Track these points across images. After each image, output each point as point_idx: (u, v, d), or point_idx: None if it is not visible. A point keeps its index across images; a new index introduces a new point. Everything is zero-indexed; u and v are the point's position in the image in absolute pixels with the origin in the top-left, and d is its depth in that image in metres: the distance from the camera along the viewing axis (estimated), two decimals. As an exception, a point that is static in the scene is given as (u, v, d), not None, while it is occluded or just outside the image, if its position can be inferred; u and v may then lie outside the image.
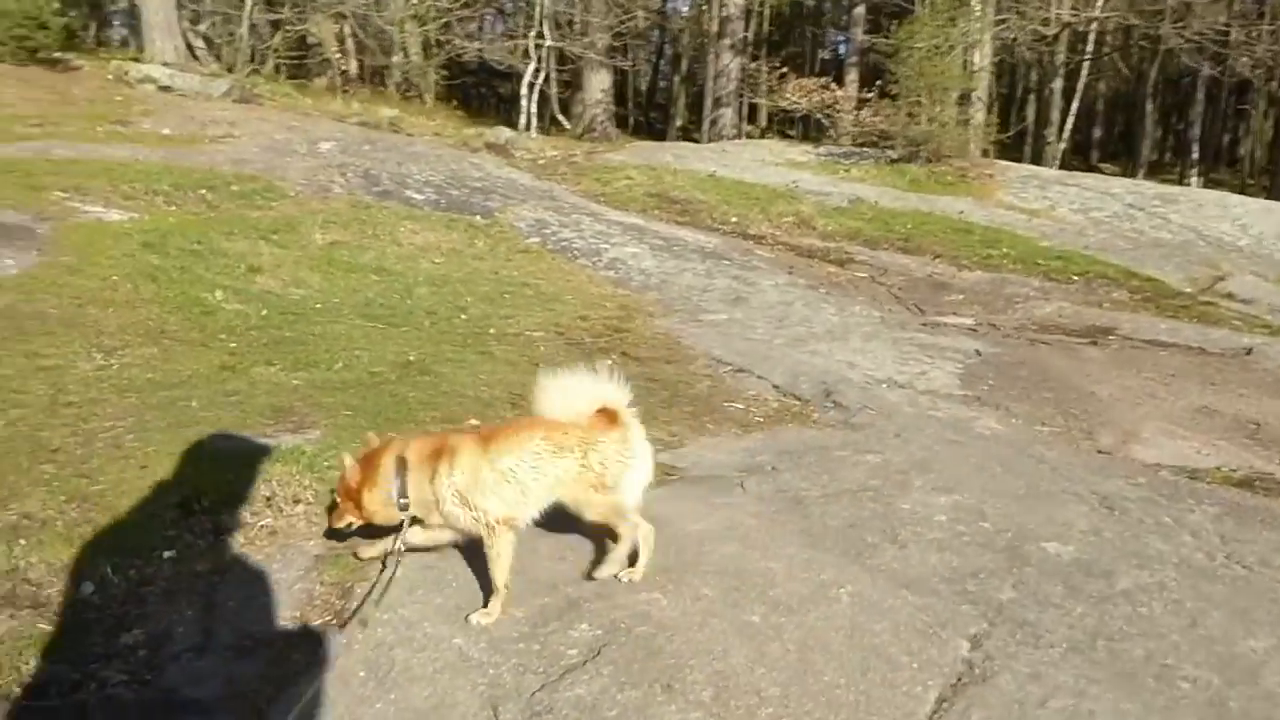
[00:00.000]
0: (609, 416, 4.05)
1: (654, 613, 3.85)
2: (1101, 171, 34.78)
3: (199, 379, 5.69)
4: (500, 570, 3.85)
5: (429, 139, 16.85)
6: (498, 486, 3.87)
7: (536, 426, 4.04)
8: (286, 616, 3.89)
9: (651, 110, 43.61)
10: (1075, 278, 11.81)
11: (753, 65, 26.72)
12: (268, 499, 4.50)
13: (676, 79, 40.19)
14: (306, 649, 3.71)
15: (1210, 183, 33.28)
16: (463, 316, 8.15)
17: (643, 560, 4.10)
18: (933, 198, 16.01)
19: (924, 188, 16.98)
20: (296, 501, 4.52)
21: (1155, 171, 36.88)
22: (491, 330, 7.84)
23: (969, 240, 13.15)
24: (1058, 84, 26.19)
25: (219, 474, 4.56)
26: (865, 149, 19.99)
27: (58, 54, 15.63)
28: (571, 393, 4.05)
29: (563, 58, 26.46)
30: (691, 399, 6.67)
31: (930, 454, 5.80)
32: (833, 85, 24.47)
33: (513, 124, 22.44)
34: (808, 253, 12.40)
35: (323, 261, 8.97)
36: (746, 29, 26.79)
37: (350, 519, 4.04)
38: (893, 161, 18.90)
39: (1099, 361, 8.81)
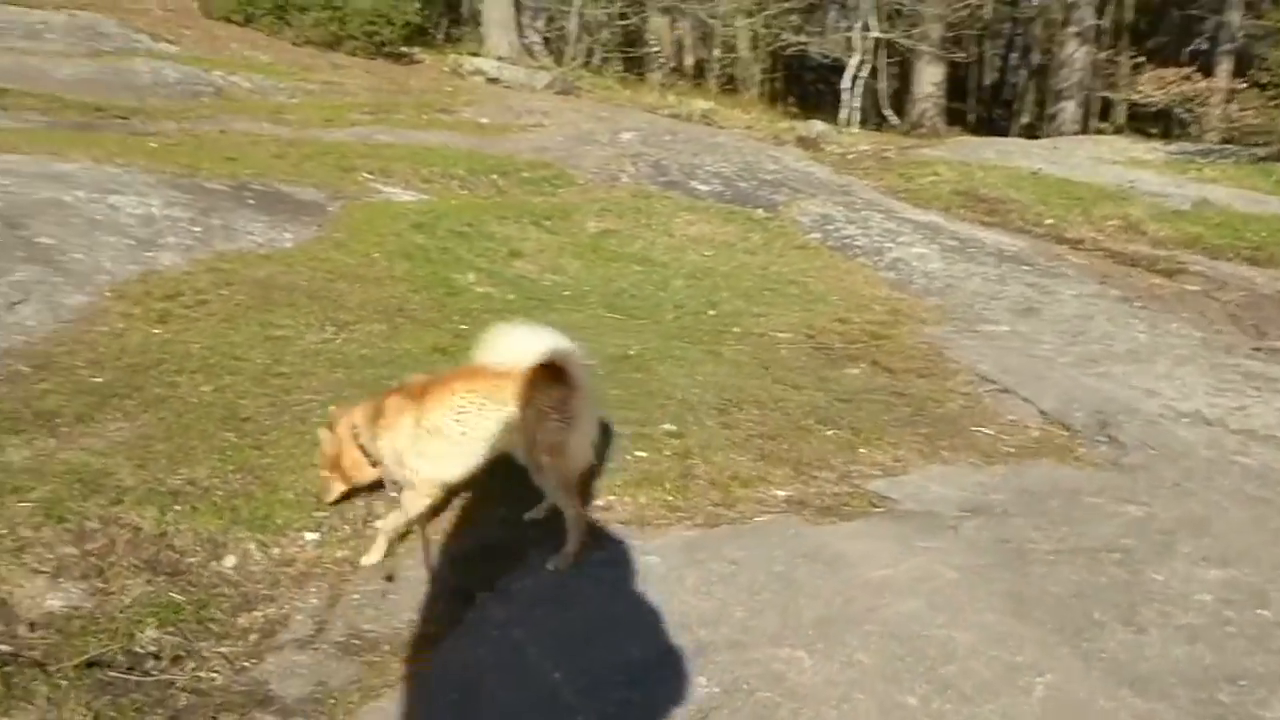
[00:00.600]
0: (553, 373, 3.62)
1: (790, 675, 3.21)
2: None
3: (409, 358, 5.57)
4: (395, 522, 3.86)
5: (737, 132, 16.50)
6: (426, 443, 3.69)
7: (465, 377, 3.73)
8: (404, 620, 3.59)
9: (996, 106, 41.02)
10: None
11: (1103, 55, 24.25)
12: (423, 491, 4.23)
13: (1025, 72, 37.51)
14: (411, 657, 3.40)
15: None
16: (711, 312, 7.67)
17: (566, 548, 3.83)
18: (1300, 203, 13.65)
19: (1292, 192, 14.55)
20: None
21: None
22: (736, 329, 7.29)
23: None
24: None
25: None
26: (1227, 146, 17.55)
27: (404, 49, 16.65)
28: (517, 343, 3.65)
29: (893, 50, 25.31)
30: (935, 419, 5.80)
31: (1214, 511, 4.66)
32: (1194, 76, 21.78)
33: (834, 119, 21.68)
34: (1130, 260, 10.84)
35: (588, 249, 8.79)
36: (1100, 16, 24.33)
37: (338, 488, 4.00)
38: (1259, 160, 16.42)
39: None
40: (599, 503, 4.31)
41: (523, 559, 3.88)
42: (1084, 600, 3.79)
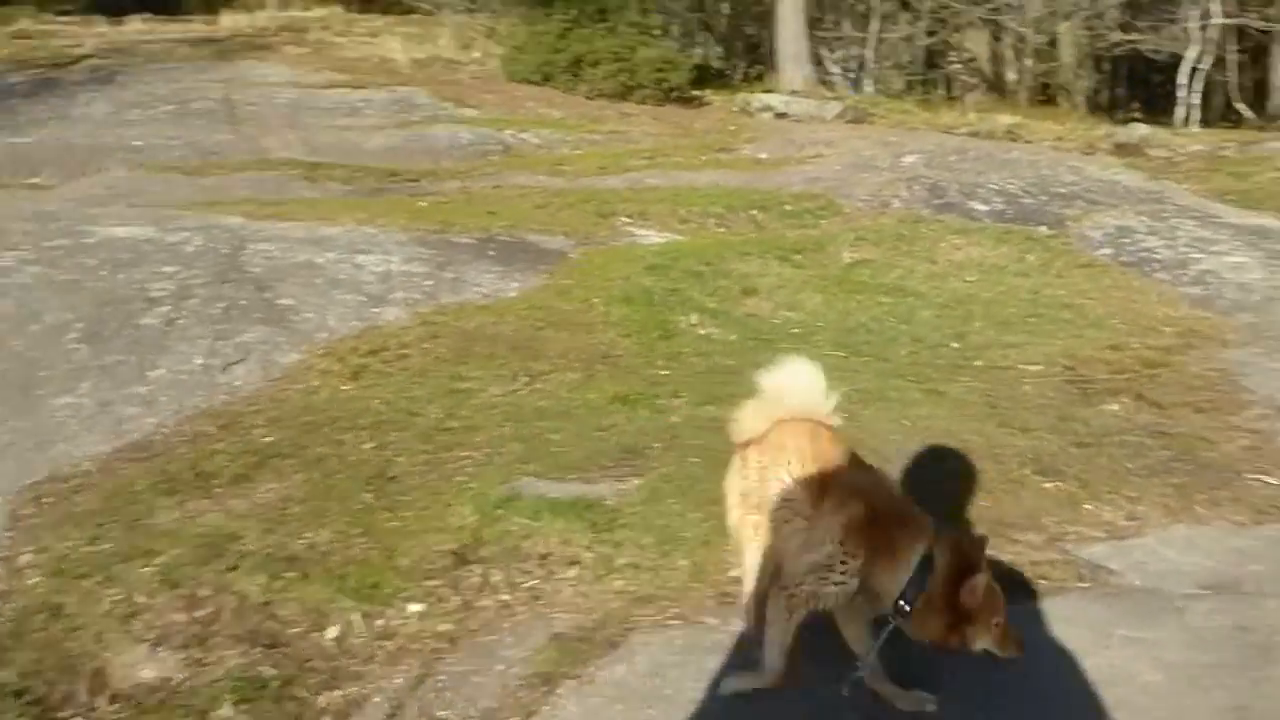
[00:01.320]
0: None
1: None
2: None
3: (586, 408, 5.27)
4: None
5: (1043, 144, 15.03)
6: None
7: None
8: (480, 707, 3.25)
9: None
10: None
11: None
12: (543, 557, 3.89)
13: None
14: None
15: None
16: (954, 345, 6.79)
17: None
18: None
19: None
20: (573, 564, 3.86)
21: None
22: (978, 362, 6.39)
23: None
24: None
25: (513, 521, 4.05)
26: None
27: (694, 92, 16.68)
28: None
29: (1245, 36, 22.27)
30: (1200, 465, 4.70)
31: None
32: None
33: (1168, 120, 19.34)
34: None
35: (834, 282, 8.14)
36: None
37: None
38: None
39: None
40: (733, 574, 3.76)
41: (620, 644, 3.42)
42: (1336, 719, 2.78)
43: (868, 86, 18.78)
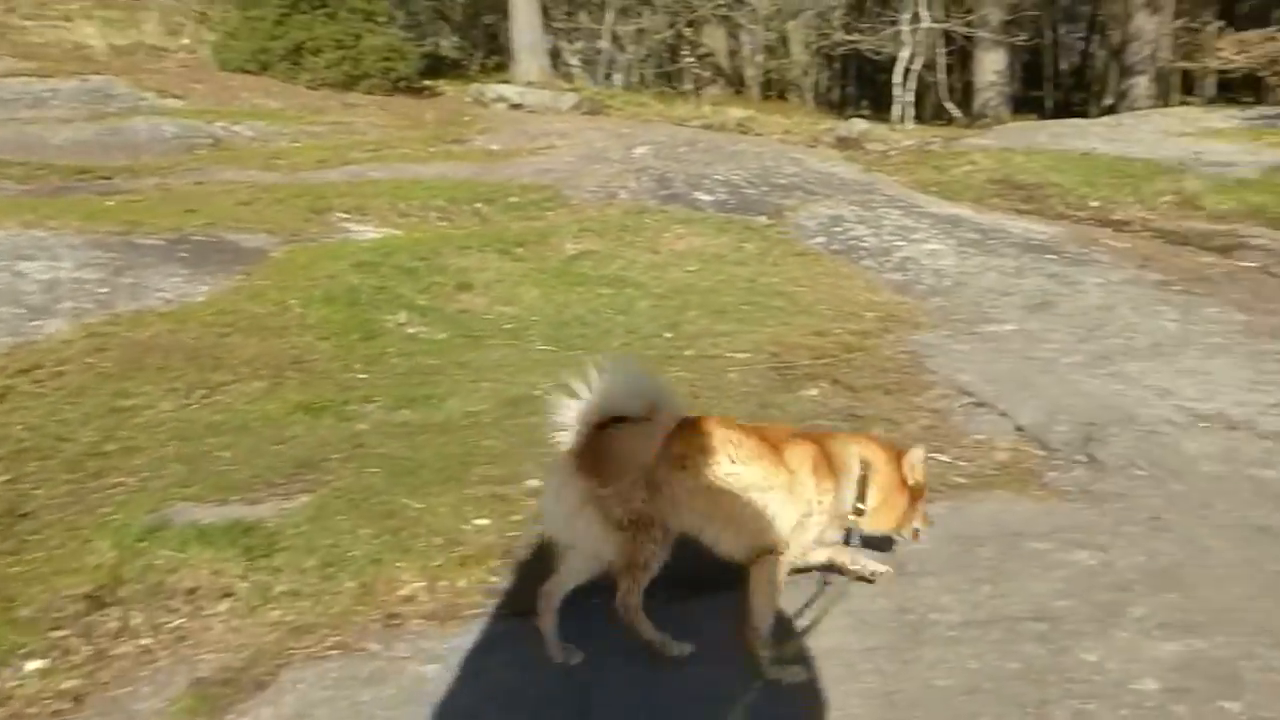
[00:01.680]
0: None
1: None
2: None
3: (264, 420, 4.87)
4: None
5: (770, 137, 15.54)
6: None
7: None
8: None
9: (1078, 90, 38.90)
10: None
11: (1177, 24, 22.32)
12: (191, 592, 3.49)
13: (1104, 53, 35.40)
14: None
15: None
16: (667, 335, 6.78)
17: None
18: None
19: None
20: (225, 596, 3.48)
21: None
22: (688, 352, 6.40)
23: None
24: None
25: (158, 554, 3.61)
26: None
27: (426, 82, 16.20)
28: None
29: (952, 39, 23.96)
30: (883, 447, 4.82)
31: (1192, 553, 3.59)
32: (1278, 35, 19.97)
33: (889, 116, 20.51)
34: (1182, 239, 9.54)
35: (554, 275, 7.99)
36: (1171, -17, 22.47)
37: None
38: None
39: None
40: (402, 593, 3.49)
41: (269, 683, 3.09)
42: (977, 699, 2.81)
43: (614, 79, 18.83)
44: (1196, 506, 4.00)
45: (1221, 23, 22.33)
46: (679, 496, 3.01)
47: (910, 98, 20.53)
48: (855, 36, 22.17)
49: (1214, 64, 20.87)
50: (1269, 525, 3.85)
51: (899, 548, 3.67)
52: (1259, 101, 20.86)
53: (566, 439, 2.95)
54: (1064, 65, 39.50)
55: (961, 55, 24.85)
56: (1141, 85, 20.90)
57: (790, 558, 3.11)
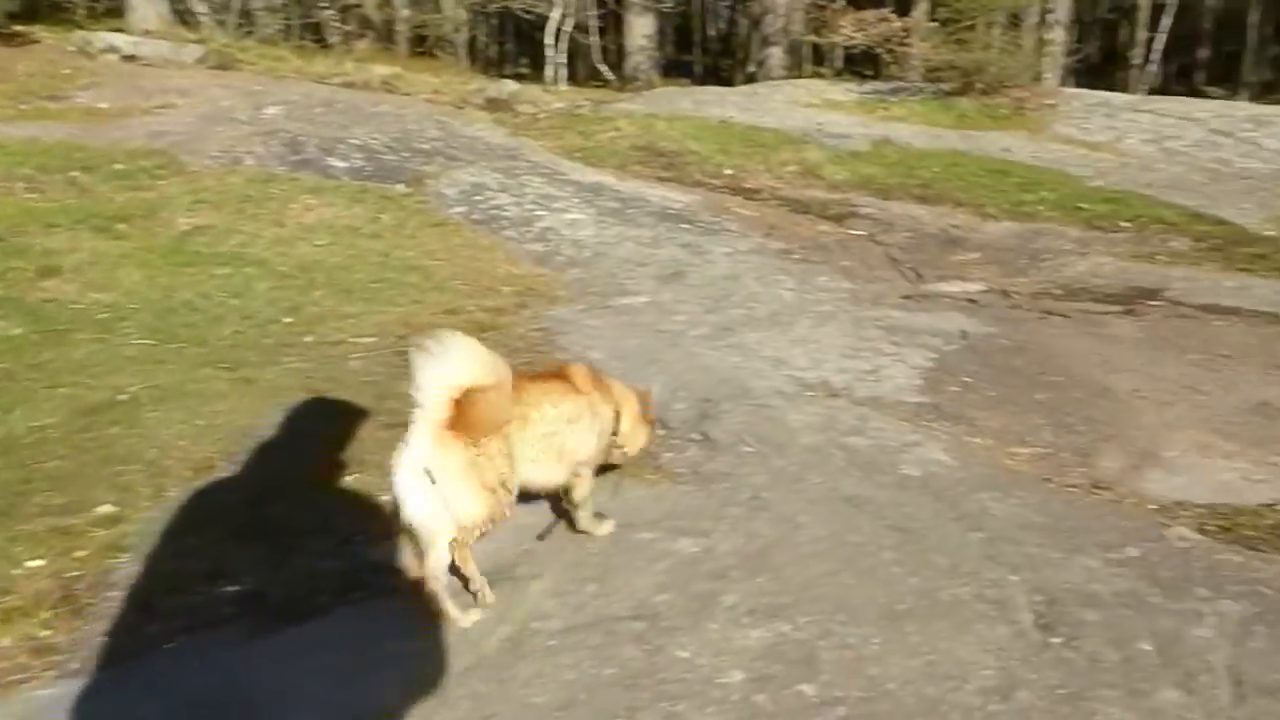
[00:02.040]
0: None
1: None
2: (1207, 96, 30.90)
3: None
4: None
5: (417, 98, 14.99)
6: None
7: None
8: None
9: (725, 56, 40.93)
10: (1125, 225, 9.31)
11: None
12: None
13: (746, 21, 37.39)
14: None
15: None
16: (286, 320, 6.31)
17: None
18: (977, 134, 13.48)
19: (971, 124, 14.43)
20: None
21: (1269, 92, 32.71)
22: (308, 338, 5.97)
23: (1003, 184, 10.70)
24: (1144, -3, 22.67)
25: None
26: (917, 84, 17.38)
27: (18, 27, 14.25)
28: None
29: (603, 3, 24.29)
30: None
31: (785, 531, 3.72)
32: (890, 16, 21.78)
33: (541, 78, 20.48)
34: (804, 208, 10.16)
35: (162, 254, 7.23)
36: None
37: None
38: (946, 95, 16.33)
39: (1128, 341, 6.50)
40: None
41: None
42: (571, 713, 2.73)
43: (234, 28, 17.44)
44: (793, 481, 4.18)
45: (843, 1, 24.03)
46: (524, 451, 3.28)
47: (563, 59, 20.61)
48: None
49: (838, 39, 22.50)
50: (854, 495, 4.08)
51: (512, 555, 3.55)
52: (876, 76, 22.85)
53: (430, 410, 2.97)
54: (712, 32, 41.43)
55: (615, 18, 25.26)
56: (776, 56, 22.21)
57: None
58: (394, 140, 10.98)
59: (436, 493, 3.00)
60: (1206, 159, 12.16)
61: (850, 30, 21.80)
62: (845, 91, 17.35)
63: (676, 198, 9.97)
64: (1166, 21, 22.96)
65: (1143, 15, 22.80)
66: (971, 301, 7.31)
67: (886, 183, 10.88)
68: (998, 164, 11.58)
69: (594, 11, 24.08)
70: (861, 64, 29.63)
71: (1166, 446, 5.03)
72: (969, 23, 16.39)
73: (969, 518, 3.96)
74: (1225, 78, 34.84)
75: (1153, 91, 28.61)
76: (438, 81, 16.96)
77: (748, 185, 11.08)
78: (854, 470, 4.33)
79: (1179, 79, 36.86)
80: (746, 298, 7.11)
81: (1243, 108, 14.56)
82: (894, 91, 17.22)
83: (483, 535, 3.15)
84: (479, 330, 6.23)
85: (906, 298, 7.25)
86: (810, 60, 28.20)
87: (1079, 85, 28.46)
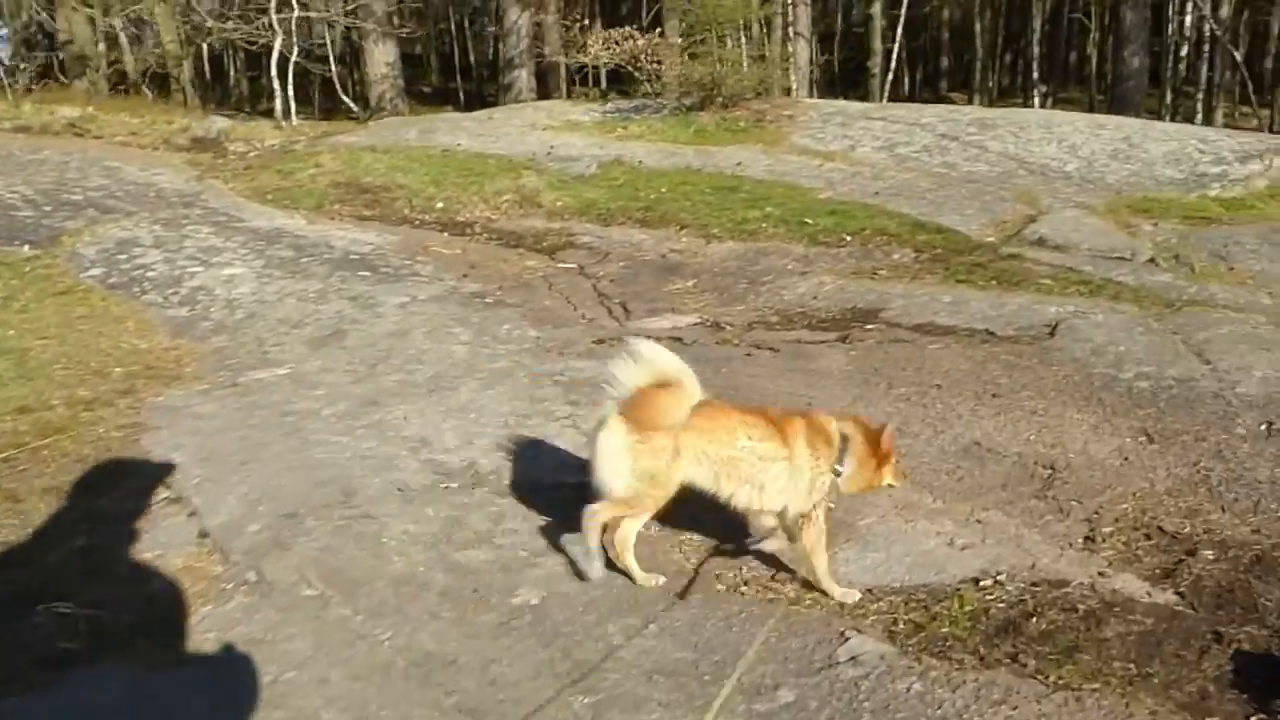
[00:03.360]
0: None
1: None
2: (952, 101, 32.00)
3: None
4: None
5: (109, 140, 13.18)
6: None
7: None
8: None
9: (492, 81, 39.87)
10: (849, 239, 8.70)
11: (550, 19, 23.12)
12: None
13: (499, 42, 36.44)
14: None
15: (1060, 102, 30.74)
16: None
17: None
18: (713, 150, 12.82)
19: (709, 139, 13.80)
20: None
21: (1004, 96, 34.29)
22: None
23: (730, 201, 9.98)
24: (876, 8, 22.98)
25: None
26: (664, 101, 16.71)
27: None
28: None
29: (346, 29, 22.77)
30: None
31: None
32: (635, 34, 21.19)
33: (272, 112, 18.79)
34: (516, 240, 9.13)
35: None
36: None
37: None
38: (687, 111, 15.74)
39: (837, 375, 5.74)
40: None
41: None
42: None
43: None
44: (345, 646, 3.05)
45: (586, 20, 23.39)
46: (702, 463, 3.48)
47: (290, 91, 18.98)
48: (229, 26, 20.08)
49: (586, 59, 21.75)
50: (428, 654, 2.99)
51: None
52: (630, 94, 22.24)
53: (619, 394, 3.39)
54: (475, 57, 40.26)
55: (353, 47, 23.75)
56: (523, 78, 21.26)
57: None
58: (40, 192, 9.30)
59: (604, 460, 3.40)
60: (935, 164, 11.87)
61: (598, 49, 21.08)
62: (587, 112, 16.53)
63: (368, 240, 8.74)
64: (899, 32, 23.33)
65: (878, 26, 23.04)
66: (677, 340, 6.41)
67: (609, 207, 9.98)
68: (729, 180, 10.89)
69: (331, 40, 22.52)
70: (629, 83, 29.20)
71: (865, 511, 4.21)
72: (700, 37, 15.87)
73: (582, 672, 2.93)
74: (965, 84, 36.41)
75: (901, 99, 29.40)
76: (138, 122, 15.12)
77: (459, 219, 9.97)
78: (447, 610, 3.25)
79: (925, 86, 38.34)
80: (409, 359, 5.97)
81: (968, 112, 14.52)
82: (638, 109, 16.54)
83: (630, 514, 3.46)
84: (41, 436, 4.86)
85: (599, 343, 6.28)
86: (579, 82, 27.51)
87: (832, 96, 28.91)
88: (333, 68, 22.57)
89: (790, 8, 22.14)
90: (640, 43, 19.98)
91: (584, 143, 13.51)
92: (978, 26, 29.89)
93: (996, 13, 36.20)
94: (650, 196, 10.29)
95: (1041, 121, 13.26)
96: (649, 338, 3.83)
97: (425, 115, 20.06)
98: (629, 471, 3.35)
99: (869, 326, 6.58)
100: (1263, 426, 4.93)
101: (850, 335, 6.41)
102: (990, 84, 34.50)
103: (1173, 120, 23.22)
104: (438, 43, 44.68)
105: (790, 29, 22.10)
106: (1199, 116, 23.61)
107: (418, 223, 9.83)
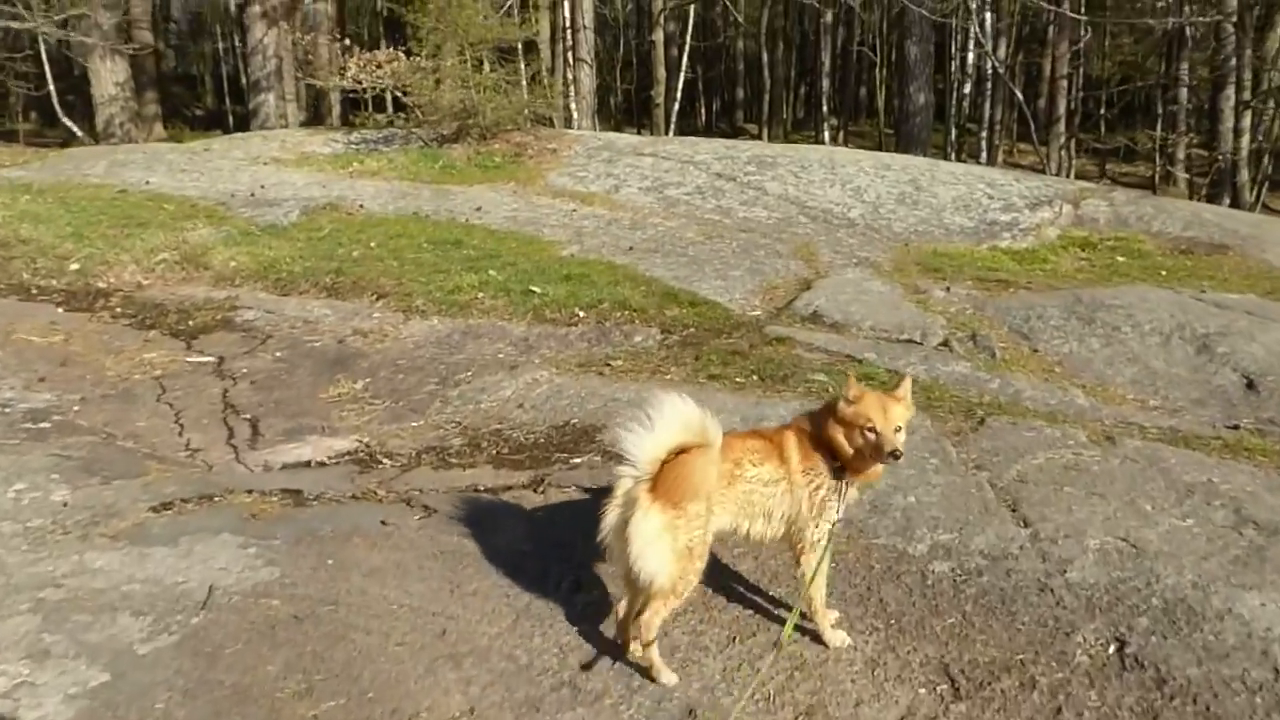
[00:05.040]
0: None
1: None
2: (747, 134, 31.07)
3: None
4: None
5: None
6: None
7: None
8: None
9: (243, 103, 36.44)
10: (582, 314, 6.78)
11: (306, 40, 20.51)
12: None
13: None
14: None
15: (851, 135, 30.25)
16: None
17: None
18: (455, 190, 10.78)
19: (456, 176, 11.78)
20: None
21: (798, 129, 33.72)
22: None
23: (450, 260, 7.94)
24: (659, 35, 21.50)
25: None
26: (420, 131, 14.52)
27: None
28: None
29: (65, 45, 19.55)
30: None
31: None
32: (400, 55, 18.89)
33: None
34: (153, 318, 6.82)
35: None
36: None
37: None
38: (441, 143, 13.64)
39: (504, 562, 3.74)
40: None
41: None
42: None
43: None
44: None
45: (348, 41, 20.95)
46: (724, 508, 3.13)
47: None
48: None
49: (344, 83, 19.32)
50: None
51: None
52: (393, 123, 19.86)
53: (636, 472, 2.93)
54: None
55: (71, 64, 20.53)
56: (270, 103, 18.58)
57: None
58: None
59: (639, 550, 2.92)
60: (707, 209, 10.19)
61: (356, 72, 18.65)
62: (329, 143, 14.17)
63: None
64: (684, 60, 21.87)
65: (660, 53, 21.50)
66: (296, 492, 4.29)
67: (292, 270, 7.75)
68: (458, 231, 8.84)
69: (49, 57, 19.28)
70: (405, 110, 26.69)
71: None
72: (450, 60, 13.82)
73: None
74: (760, 115, 35.61)
75: (695, 131, 28.15)
76: None
77: (97, 285, 7.54)
78: None
79: (722, 117, 37.48)
80: None
81: (747, 148, 12.97)
82: (388, 140, 14.34)
83: (666, 600, 2.99)
84: None
85: (164, 508, 4.07)
86: (364, 107, 24.80)
87: (622, 127, 27.33)
88: (50, 85, 19.35)
89: (571, 32, 20.37)
90: (404, 65, 17.62)
91: (304, 180, 11.22)
92: (765, 58, 28.97)
93: (790, 46, 35.71)
94: (352, 254, 8.12)
95: (825, 160, 11.81)
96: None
97: (153, 143, 17.20)
98: (671, 553, 2.94)
99: (576, 460, 4.64)
100: (1112, 648, 3.23)
101: (547, 479, 4.44)
102: (785, 116, 33.89)
103: (958, 157, 22.73)
104: (213, 64, 40.94)
105: (570, 54, 20.30)
106: (984, 154, 23.20)
107: (34, 291, 7.36)
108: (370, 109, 27.28)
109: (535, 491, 4.34)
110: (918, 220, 9.99)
